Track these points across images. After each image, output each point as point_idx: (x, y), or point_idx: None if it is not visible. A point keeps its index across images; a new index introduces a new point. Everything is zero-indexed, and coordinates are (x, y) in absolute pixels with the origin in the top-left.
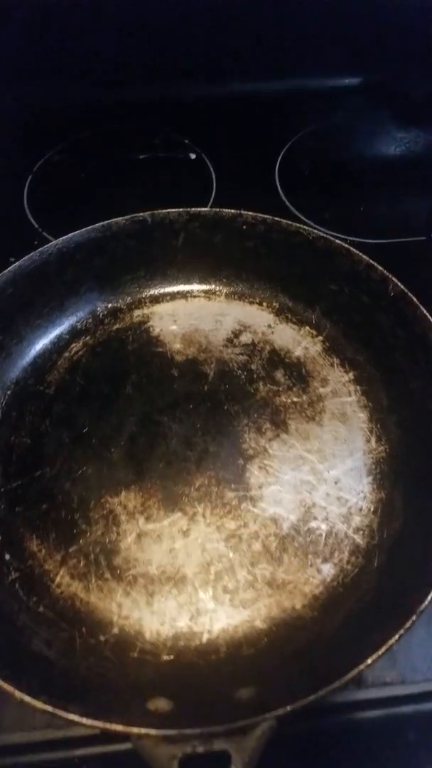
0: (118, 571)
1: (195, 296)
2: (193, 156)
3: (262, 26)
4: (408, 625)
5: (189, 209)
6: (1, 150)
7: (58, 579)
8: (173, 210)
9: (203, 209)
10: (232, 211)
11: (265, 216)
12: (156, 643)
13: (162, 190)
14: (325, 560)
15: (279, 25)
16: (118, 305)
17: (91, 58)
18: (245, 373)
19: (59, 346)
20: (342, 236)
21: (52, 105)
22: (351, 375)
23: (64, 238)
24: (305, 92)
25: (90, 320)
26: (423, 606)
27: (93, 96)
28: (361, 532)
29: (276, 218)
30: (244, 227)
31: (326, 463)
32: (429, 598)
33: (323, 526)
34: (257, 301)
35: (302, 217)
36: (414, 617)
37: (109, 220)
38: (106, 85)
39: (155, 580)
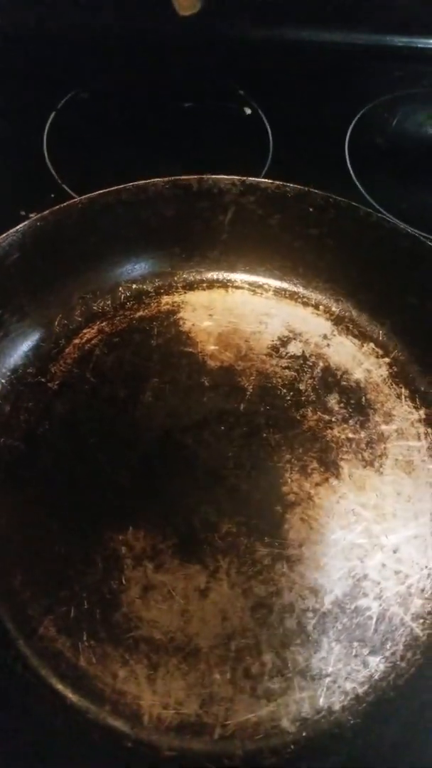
0: (116, 631)
1: (237, 287)
2: (248, 111)
3: None
4: None
5: (245, 178)
6: (20, 78)
7: (41, 630)
8: (225, 177)
9: (262, 180)
10: (299, 187)
11: (340, 199)
12: (156, 732)
13: (207, 149)
14: (373, 651)
15: None
16: (145, 288)
17: None
18: (291, 393)
19: (69, 329)
20: (425, 235)
21: (82, 31)
22: (422, 413)
23: (89, 196)
24: (389, 51)
25: (109, 302)
26: None
27: (133, 25)
28: (422, 621)
29: (354, 203)
30: (311, 210)
31: (384, 525)
32: None
33: (375, 607)
34: (313, 303)
35: (376, 205)
36: None
37: (146, 181)
38: (150, 14)
39: (161, 649)
